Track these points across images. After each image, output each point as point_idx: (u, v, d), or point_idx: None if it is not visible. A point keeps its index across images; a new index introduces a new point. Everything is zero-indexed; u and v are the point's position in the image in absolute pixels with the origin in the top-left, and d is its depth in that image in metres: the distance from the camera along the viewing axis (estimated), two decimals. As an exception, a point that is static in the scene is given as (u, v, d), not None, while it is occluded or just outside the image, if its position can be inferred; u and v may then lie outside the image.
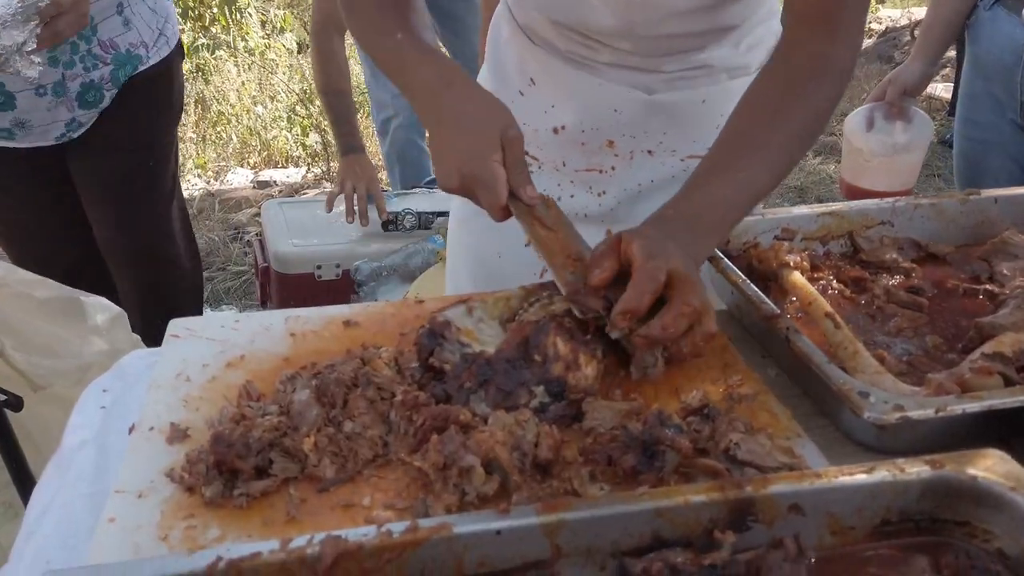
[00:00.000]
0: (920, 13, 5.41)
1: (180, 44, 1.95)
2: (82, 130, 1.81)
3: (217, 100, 4.88)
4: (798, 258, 1.03)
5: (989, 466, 0.65)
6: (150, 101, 1.89)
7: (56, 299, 1.64)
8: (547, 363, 0.79)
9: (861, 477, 0.65)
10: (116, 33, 1.74)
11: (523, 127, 1.15)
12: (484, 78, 1.27)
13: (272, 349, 0.93)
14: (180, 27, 2.42)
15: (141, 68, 1.81)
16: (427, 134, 0.97)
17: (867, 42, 6.15)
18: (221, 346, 0.93)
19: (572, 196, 1.19)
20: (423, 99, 0.98)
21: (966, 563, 0.62)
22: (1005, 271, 1.06)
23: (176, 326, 0.96)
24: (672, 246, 0.83)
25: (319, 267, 2.43)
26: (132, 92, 1.82)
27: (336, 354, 0.88)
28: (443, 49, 3.02)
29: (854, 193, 2.02)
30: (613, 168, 1.18)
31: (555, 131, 1.18)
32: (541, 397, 0.78)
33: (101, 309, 1.69)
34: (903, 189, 1.99)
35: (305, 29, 6.16)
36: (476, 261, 1.30)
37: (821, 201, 3.88)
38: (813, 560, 0.64)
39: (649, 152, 1.16)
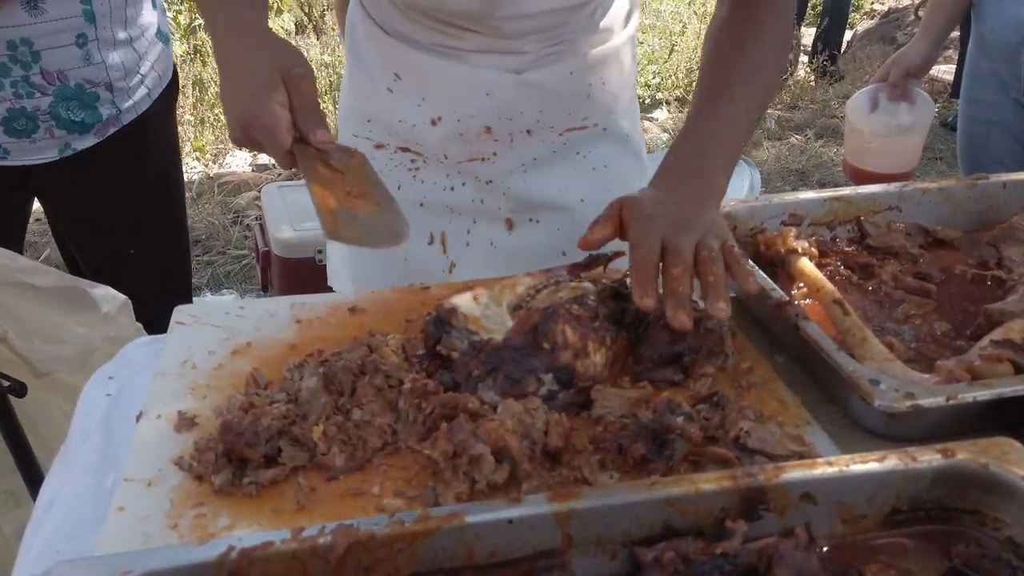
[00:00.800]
0: (923, -7, 5.37)
1: (174, 83, 1.75)
2: (9, 159, 1.60)
3: (215, 81, 4.85)
4: (806, 244, 1.03)
5: (1000, 454, 0.65)
6: (124, 153, 1.66)
7: (59, 287, 1.63)
8: (555, 351, 0.79)
9: (873, 465, 0.65)
10: (69, 66, 1.52)
11: (399, 123, 1.15)
12: (349, 77, 1.23)
13: (278, 336, 0.92)
14: (178, 9, 2.38)
15: (108, 114, 1.60)
16: None
17: (870, 23, 6.11)
18: (226, 333, 0.92)
19: (464, 184, 1.17)
20: (215, 47, 0.91)
21: (977, 552, 0.62)
22: (1014, 256, 1.05)
23: (181, 313, 0.95)
24: (670, 207, 0.87)
25: (320, 251, 2.43)
26: (105, 139, 1.62)
27: (342, 341, 0.88)
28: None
29: (857, 174, 2.01)
30: (495, 154, 1.16)
31: (432, 123, 1.14)
32: (550, 385, 0.78)
33: (105, 297, 1.68)
34: (906, 170, 1.98)
35: (303, 9, 6.11)
36: (353, 259, 1.27)
37: (823, 184, 3.88)
38: (824, 549, 0.64)
39: (528, 132, 1.14)
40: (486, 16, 1.05)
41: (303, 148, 0.83)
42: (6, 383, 1.27)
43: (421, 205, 1.18)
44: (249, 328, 0.93)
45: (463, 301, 0.87)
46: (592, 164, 1.20)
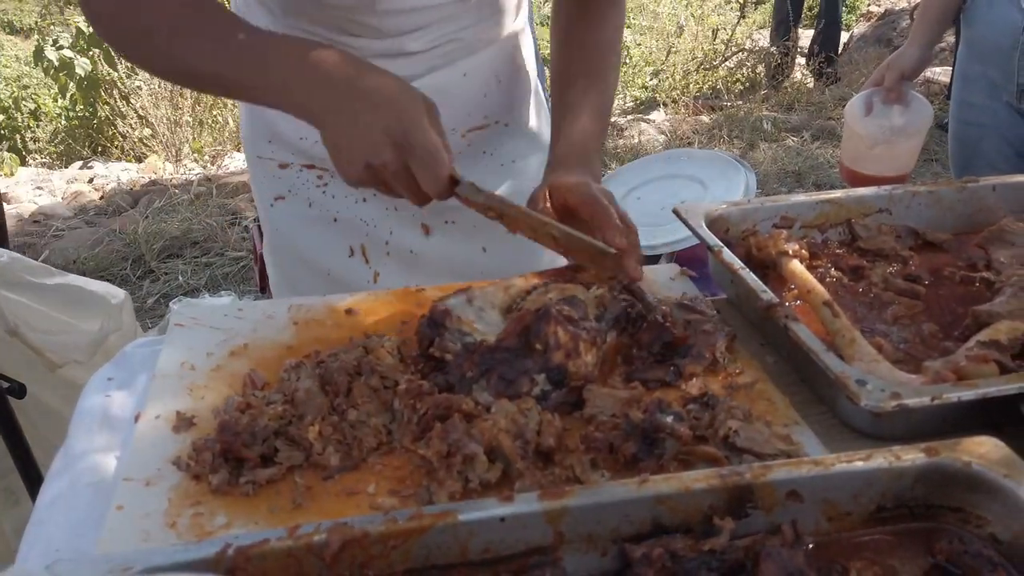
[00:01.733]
0: (919, -4, 5.39)
1: None
2: None
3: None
4: (796, 246, 1.04)
5: (983, 453, 0.66)
6: None
7: (62, 285, 1.65)
8: (548, 351, 0.80)
9: (858, 464, 0.66)
10: None
11: (301, 140, 1.12)
12: (243, 117, 1.20)
13: (275, 337, 0.94)
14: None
15: None
16: (324, 130, 0.85)
17: (866, 25, 6.12)
18: (224, 334, 0.94)
19: (375, 195, 1.08)
20: (311, 87, 0.85)
21: (959, 548, 0.63)
22: (1002, 259, 1.07)
23: (179, 315, 0.97)
24: (587, 178, 0.97)
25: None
26: None
27: (339, 342, 0.89)
28: None
29: (853, 177, 2.02)
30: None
31: None
32: (543, 385, 0.79)
33: (108, 293, 1.71)
34: (901, 173, 2.00)
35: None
36: (286, 273, 1.25)
37: (819, 185, 3.89)
38: (810, 546, 0.65)
39: None
40: (366, 10, 1.00)
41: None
42: (5, 384, 1.29)
43: (335, 220, 1.16)
44: (247, 330, 0.95)
45: (457, 303, 0.88)
46: (500, 161, 1.20)
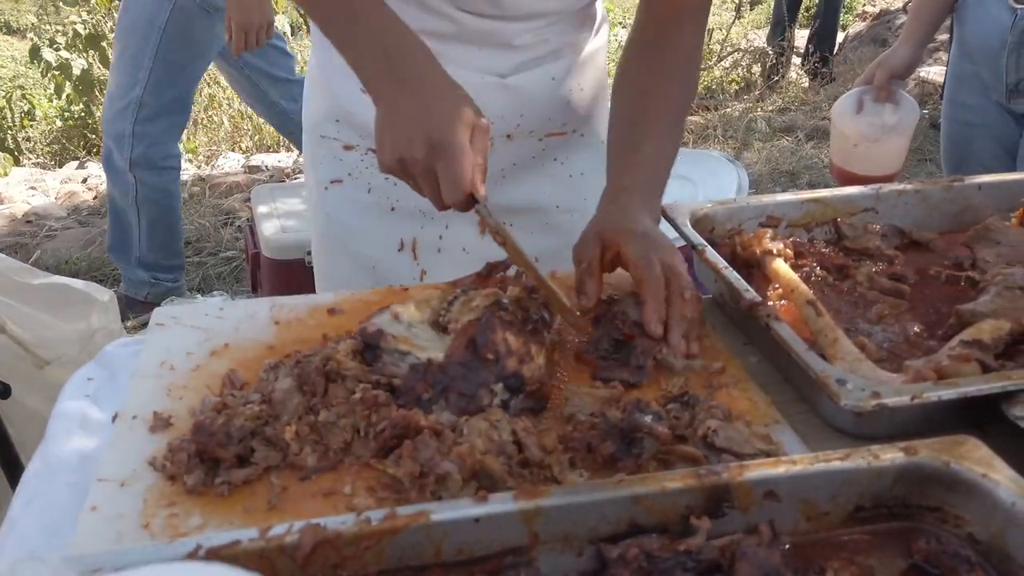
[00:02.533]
0: (914, -4, 5.39)
1: None
2: None
3: (208, 83, 4.85)
4: (781, 245, 1.04)
5: (962, 453, 0.66)
6: None
7: (49, 285, 1.65)
8: (500, 359, 0.79)
9: (836, 464, 0.65)
10: None
11: (372, 123, 1.08)
12: (317, 76, 1.18)
13: (256, 337, 0.93)
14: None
15: None
16: (377, 111, 0.88)
17: (861, 25, 6.13)
18: (205, 334, 0.93)
19: None
20: (378, 59, 0.88)
21: (937, 548, 0.63)
22: (987, 258, 1.06)
23: (161, 315, 0.96)
24: (652, 228, 0.92)
25: (309, 253, 2.42)
26: None
27: (320, 342, 0.89)
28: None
29: (843, 176, 2.02)
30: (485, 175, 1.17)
31: None
32: (501, 394, 0.78)
33: (94, 291, 1.70)
34: (891, 172, 2.00)
35: (298, 12, 6.11)
36: (330, 270, 1.24)
37: (813, 185, 3.89)
38: (788, 546, 0.65)
39: (508, 137, 1.14)
40: None
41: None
42: (-8, 385, 1.28)
43: (392, 210, 1.16)
44: (228, 329, 0.94)
45: (384, 321, 0.85)
46: (569, 171, 1.21)
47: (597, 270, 0.93)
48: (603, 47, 1.21)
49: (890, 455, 0.66)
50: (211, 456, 0.71)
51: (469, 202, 0.84)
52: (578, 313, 0.89)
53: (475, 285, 0.92)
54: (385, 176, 1.15)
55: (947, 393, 0.75)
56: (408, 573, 0.62)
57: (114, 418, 0.80)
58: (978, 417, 0.78)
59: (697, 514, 0.64)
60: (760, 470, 0.65)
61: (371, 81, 0.90)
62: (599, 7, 1.18)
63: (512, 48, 1.09)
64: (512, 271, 0.96)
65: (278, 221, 2.48)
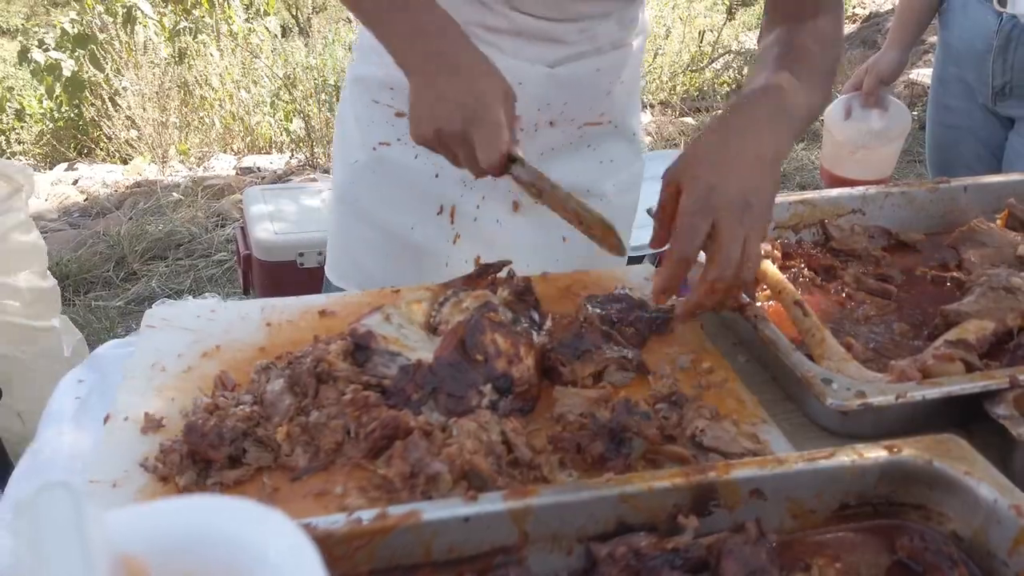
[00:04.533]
0: (904, -2, 5.43)
1: None
2: None
3: (200, 84, 4.84)
4: (769, 247, 1.05)
5: (945, 451, 0.67)
6: None
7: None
8: (489, 360, 0.79)
9: (821, 462, 0.66)
10: None
11: None
12: (369, 47, 1.19)
13: (248, 339, 0.93)
14: (162, 12, 2.39)
15: None
16: (411, 87, 0.90)
17: (850, 27, 6.16)
18: (196, 336, 0.93)
19: None
20: (413, 37, 0.92)
21: (920, 545, 0.64)
22: (972, 258, 1.08)
23: (152, 316, 0.96)
24: (734, 178, 0.82)
25: (301, 254, 2.43)
26: None
27: (311, 344, 0.89)
28: None
29: (834, 181, 2.04)
30: (516, 141, 1.16)
31: None
32: (490, 396, 0.78)
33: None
34: (880, 178, 2.01)
35: (289, 12, 6.11)
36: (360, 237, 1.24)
37: (803, 186, 3.91)
38: (774, 543, 0.65)
39: (551, 123, 1.17)
40: None
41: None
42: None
43: (436, 176, 1.18)
44: (219, 331, 0.94)
45: (375, 322, 0.85)
46: (600, 158, 1.24)
47: (665, 218, 0.88)
48: (643, 45, 1.24)
49: (874, 454, 0.67)
50: (203, 457, 0.72)
51: (504, 165, 0.88)
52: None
53: (466, 287, 0.93)
54: None
55: (931, 392, 0.76)
56: (398, 573, 0.62)
57: (106, 419, 0.81)
58: (962, 416, 0.79)
59: (685, 513, 0.65)
60: (746, 469, 0.66)
61: (404, 56, 0.93)
62: (642, 11, 1.21)
63: (561, 43, 1.12)
64: (504, 273, 0.97)
65: (270, 223, 2.49)
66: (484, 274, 0.95)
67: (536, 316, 0.91)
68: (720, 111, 0.95)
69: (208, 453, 0.71)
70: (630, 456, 0.73)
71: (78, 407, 0.87)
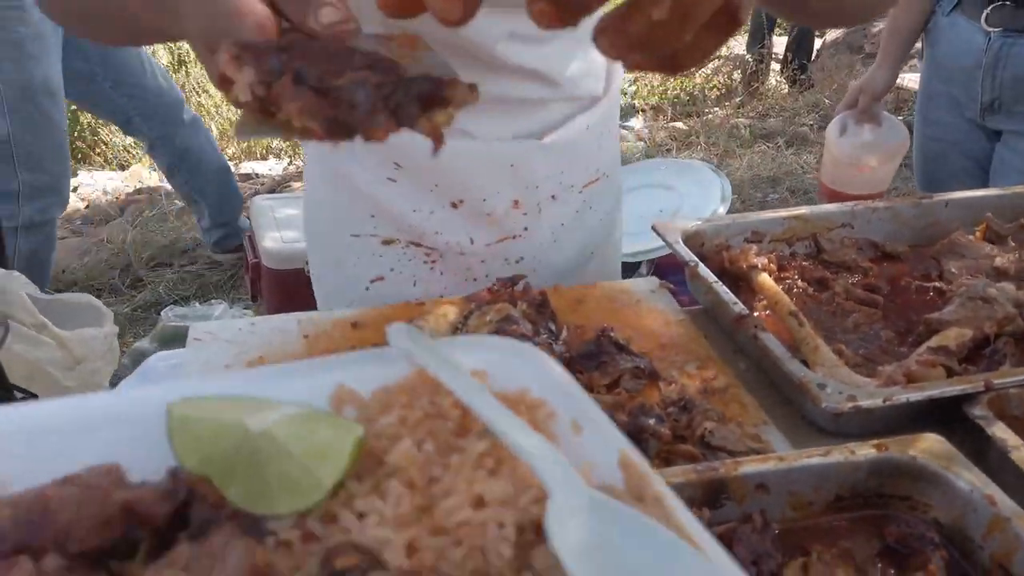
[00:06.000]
0: None
1: None
2: None
3: (196, 91, 4.89)
4: (765, 260, 1.13)
5: (927, 448, 0.75)
6: None
7: (57, 300, 1.73)
8: None
9: (817, 459, 0.74)
10: None
11: (413, 213, 1.06)
12: (331, 176, 1.10)
13: (288, 350, 1.01)
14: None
15: None
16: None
17: (836, 33, 6.28)
18: (240, 348, 1.01)
19: (487, 276, 1.11)
20: (161, 8, 0.63)
21: (906, 531, 0.72)
22: (953, 269, 1.16)
23: (197, 330, 1.04)
24: None
25: (307, 263, 2.50)
26: None
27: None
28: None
29: (832, 196, 2.12)
30: (525, 229, 1.11)
31: (454, 206, 1.08)
32: None
33: (95, 304, 1.79)
34: (876, 193, 2.09)
35: (283, 19, 6.15)
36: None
37: (793, 191, 4.01)
38: (777, 531, 0.73)
39: (552, 197, 1.12)
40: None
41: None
42: (20, 395, 1.35)
43: (441, 297, 1.12)
44: (261, 343, 1.02)
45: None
46: (600, 216, 1.22)
47: None
48: (616, 94, 1.20)
49: (864, 451, 0.75)
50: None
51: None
52: None
53: (489, 301, 1.00)
54: (430, 266, 1.10)
55: (915, 395, 0.85)
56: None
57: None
58: (943, 416, 0.87)
59: (697, 505, 0.72)
60: (752, 466, 0.74)
61: (171, 30, 0.63)
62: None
63: (551, 102, 1.07)
64: (520, 287, 1.05)
65: (277, 231, 2.55)
66: (505, 287, 1.03)
67: (553, 327, 0.99)
68: None
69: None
70: (646, 455, 0.81)
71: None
